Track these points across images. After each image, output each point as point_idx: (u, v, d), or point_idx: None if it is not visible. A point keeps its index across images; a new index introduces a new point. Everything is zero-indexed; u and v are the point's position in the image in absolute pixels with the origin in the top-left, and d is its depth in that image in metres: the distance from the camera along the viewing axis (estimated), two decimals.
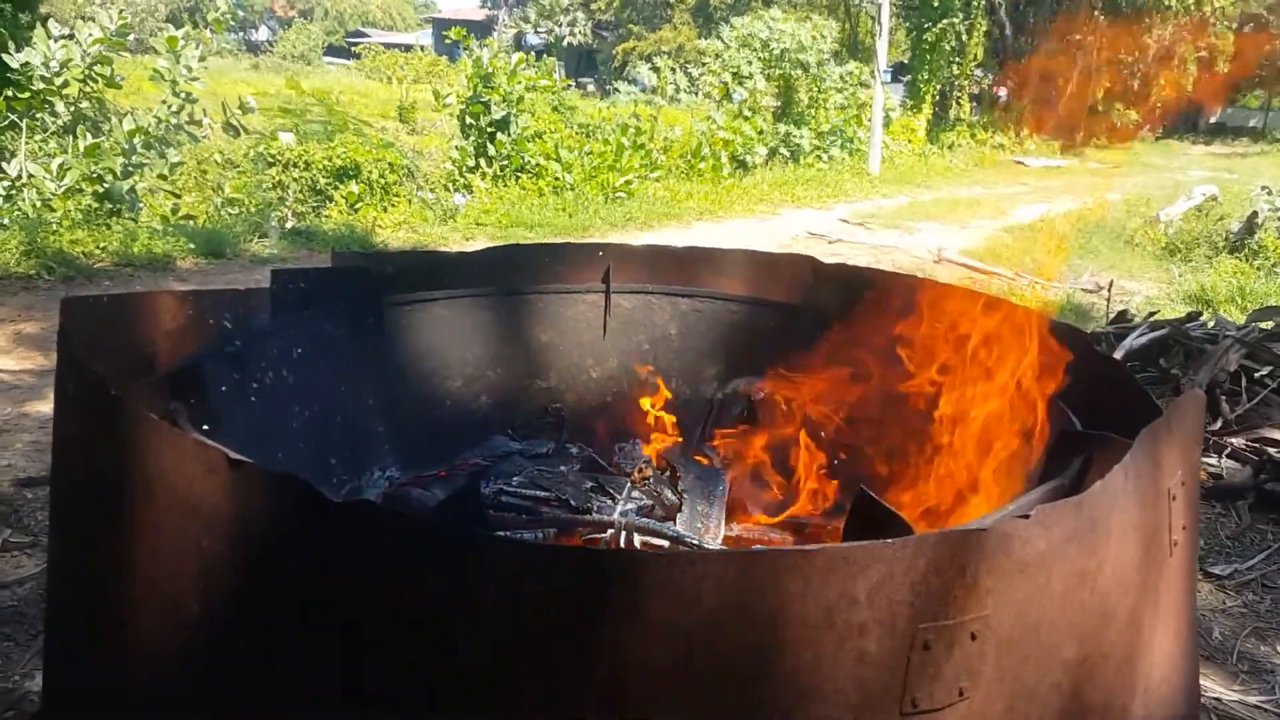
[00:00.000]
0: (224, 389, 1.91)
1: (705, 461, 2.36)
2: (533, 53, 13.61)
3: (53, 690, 1.52)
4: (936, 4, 19.46)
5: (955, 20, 19.95)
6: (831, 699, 1.05)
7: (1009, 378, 1.82)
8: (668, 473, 2.24)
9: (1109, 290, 6.31)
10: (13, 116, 8.09)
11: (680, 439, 2.42)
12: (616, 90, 19.07)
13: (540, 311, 2.55)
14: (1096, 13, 23.20)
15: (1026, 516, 1.12)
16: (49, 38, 8.19)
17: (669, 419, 2.45)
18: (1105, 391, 1.80)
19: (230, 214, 9.33)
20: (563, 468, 2.28)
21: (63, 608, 1.48)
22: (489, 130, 11.08)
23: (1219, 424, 3.68)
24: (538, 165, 11.01)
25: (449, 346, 2.46)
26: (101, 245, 6.29)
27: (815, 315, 2.40)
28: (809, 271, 2.52)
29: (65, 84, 8.40)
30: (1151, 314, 5.07)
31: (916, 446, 2.02)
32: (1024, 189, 15.40)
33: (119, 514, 1.26)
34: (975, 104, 23.64)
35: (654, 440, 2.39)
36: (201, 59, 9.31)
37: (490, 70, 11.05)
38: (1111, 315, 5.22)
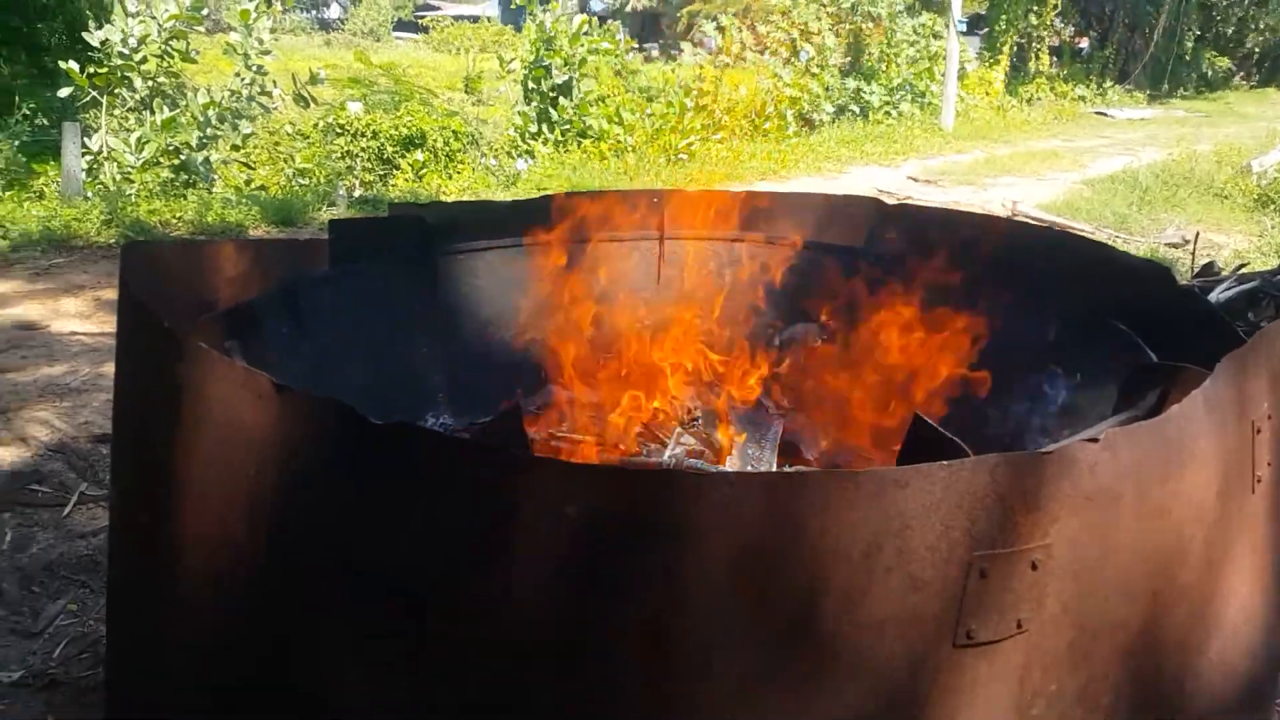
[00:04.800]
0: (281, 335, 1.93)
1: (759, 407, 2.31)
2: (596, 18, 13.47)
3: (116, 622, 1.56)
4: None
5: None
6: (881, 627, 1.01)
7: None
8: (719, 418, 2.20)
9: (1195, 244, 6.00)
10: (94, 93, 8.34)
11: (735, 384, 2.38)
12: (681, 52, 18.81)
13: (594, 260, 2.52)
14: None
15: (1095, 440, 1.06)
16: (126, 15, 8.41)
17: (724, 365, 2.40)
18: (1185, 326, 1.70)
19: (301, 184, 9.50)
20: (614, 413, 2.25)
21: (122, 543, 1.52)
22: (551, 95, 11.03)
23: None
24: (599, 129, 10.93)
25: (503, 295, 2.45)
26: (177, 215, 6.46)
27: (876, 259, 2.33)
28: (871, 214, 2.44)
29: (143, 60, 8.63)
30: (1240, 266, 4.81)
31: None
32: (1105, 141, 14.77)
33: (172, 447, 1.28)
34: (1055, 57, 22.71)
35: (707, 386, 2.35)
36: (273, 31, 9.46)
37: (553, 33, 10.99)
38: (1196, 269, 4.97)
